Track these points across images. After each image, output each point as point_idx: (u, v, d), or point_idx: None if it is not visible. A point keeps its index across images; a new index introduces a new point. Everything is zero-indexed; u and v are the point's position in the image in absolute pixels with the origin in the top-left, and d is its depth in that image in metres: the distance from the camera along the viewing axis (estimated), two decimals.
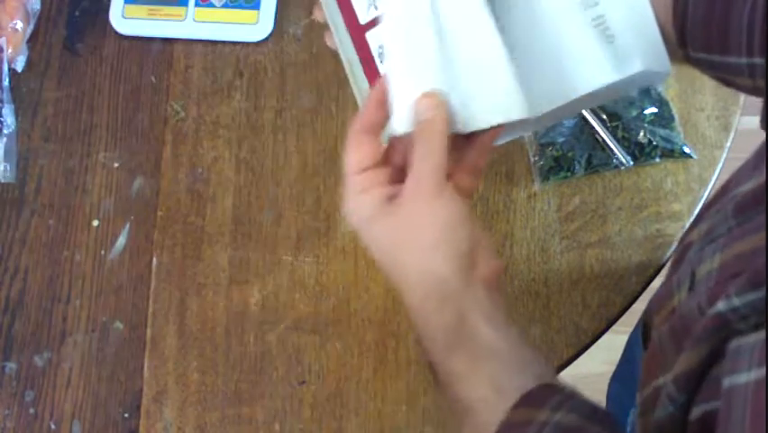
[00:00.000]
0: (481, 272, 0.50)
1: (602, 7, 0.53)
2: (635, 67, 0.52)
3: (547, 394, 0.46)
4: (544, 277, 0.75)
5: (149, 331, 0.74)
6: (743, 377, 0.34)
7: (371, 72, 0.58)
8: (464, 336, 0.48)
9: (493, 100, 0.51)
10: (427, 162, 0.48)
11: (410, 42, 0.51)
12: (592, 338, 0.73)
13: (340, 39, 0.59)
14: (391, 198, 0.50)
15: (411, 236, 0.49)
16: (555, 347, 0.73)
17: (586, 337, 0.73)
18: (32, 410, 0.73)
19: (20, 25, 0.82)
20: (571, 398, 0.45)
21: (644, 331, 0.58)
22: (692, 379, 0.40)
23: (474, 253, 0.50)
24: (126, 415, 0.72)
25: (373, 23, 0.57)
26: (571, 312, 0.73)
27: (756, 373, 0.33)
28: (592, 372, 0.96)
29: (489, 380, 0.47)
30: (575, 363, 0.73)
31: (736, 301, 0.37)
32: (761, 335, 0.35)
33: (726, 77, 0.52)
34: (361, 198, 0.50)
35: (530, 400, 0.46)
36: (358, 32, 0.58)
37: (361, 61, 0.58)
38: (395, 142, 0.52)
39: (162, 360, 0.74)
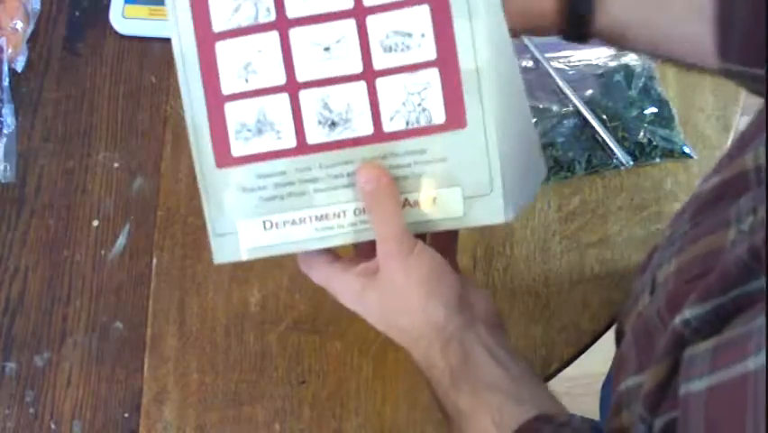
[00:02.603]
0: (479, 312, 0.52)
1: None
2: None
3: (539, 426, 0.47)
4: (544, 277, 0.75)
5: (149, 331, 0.74)
6: (696, 384, 0.34)
7: (221, 150, 0.52)
8: (468, 374, 0.49)
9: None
10: (387, 227, 0.49)
11: None
12: (592, 338, 0.73)
13: (190, 99, 0.52)
14: (373, 270, 0.51)
15: (398, 301, 0.51)
16: (555, 347, 0.73)
17: (586, 337, 0.73)
18: (31, 410, 0.73)
19: (20, 25, 0.82)
20: (563, 426, 0.47)
21: (617, 337, 0.59)
22: (657, 397, 0.41)
23: (466, 295, 0.52)
24: (126, 415, 0.72)
25: (240, 95, 0.51)
26: (571, 312, 0.73)
27: (708, 381, 0.33)
28: (592, 372, 0.96)
29: (491, 415, 0.48)
30: (575, 363, 0.73)
31: (687, 314, 0.37)
32: (711, 342, 0.35)
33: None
34: (345, 278, 0.52)
35: None
36: (216, 99, 0.51)
37: (211, 135, 0.52)
38: None
39: (162, 360, 0.74)
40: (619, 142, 0.77)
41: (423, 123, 0.49)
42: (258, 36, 0.50)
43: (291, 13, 0.49)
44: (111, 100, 0.83)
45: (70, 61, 0.84)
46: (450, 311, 0.50)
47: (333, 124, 0.50)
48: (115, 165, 0.80)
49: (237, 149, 0.52)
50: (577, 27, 0.56)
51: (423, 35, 0.48)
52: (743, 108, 0.80)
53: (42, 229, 0.78)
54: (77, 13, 0.86)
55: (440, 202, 0.50)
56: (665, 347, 0.39)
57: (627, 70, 0.80)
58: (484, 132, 0.48)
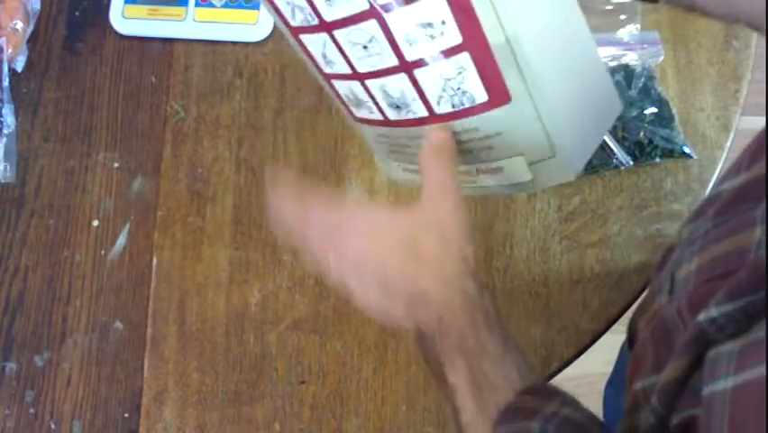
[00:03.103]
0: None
1: None
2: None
3: (553, 392, 0.47)
4: (544, 277, 0.75)
5: (149, 331, 0.74)
6: (720, 384, 0.34)
7: (347, 110, 0.57)
8: (493, 330, 0.49)
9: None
10: (447, 172, 0.50)
11: None
12: (592, 338, 0.73)
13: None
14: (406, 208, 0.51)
15: (433, 232, 0.49)
16: (555, 347, 0.73)
17: (586, 337, 0.73)
18: (32, 410, 0.73)
19: (20, 25, 0.82)
20: (574, 399, 0.47)
21: (629, 336, 0.59)
22: (673, 390, 0.41)
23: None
24: (126, 415, 0.72)
25: (334, 76, 0.54)
26: (571, 312, 0.73)
27: (733, 380, 0.33)
28: (592, 372, 0.96)
29: (483, 373, 0.48)
30: (575, 363, 0.73)
31: (714, 312, 0.37)
32: (737, 343, 0.35)
33: None
34: (373, 205, 0.53)
35: (537, 392, 0.47)
36: (325, 76, 0.56)
37: (337, 99, 0.57)
38: None
39: (162, 360, 0.74)
40: (619, 142, 0.77)
41: (467, 104, 0.49)
42: (316, 35, 0.52)
43: (327, 17, 0.50)
44: (111, 100, 0.83)
45: (70, 61, 0.84)
46: (472, 272, 0.50)
47: (398, 107, 0.52)
48: (115, 165, 0.80)
49: (354, 112, 0.56)
50: None
51: (443, 22, 0.47)
52: (743, 108, 0.80)
53: (42, 229, 0.78)
54: (77, 13, 0.86)
55: (507, 170, 0.51)
56: (686, 343, 0.39)
57: (627, 70, 0.80)
58: (531, 100, 0.48)
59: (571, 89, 0.50)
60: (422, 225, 0.50)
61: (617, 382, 0.86)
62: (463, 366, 0.48)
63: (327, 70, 0.54)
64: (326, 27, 0.51)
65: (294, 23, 0.53)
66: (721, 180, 0.48)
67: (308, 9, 0.50)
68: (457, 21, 0.47)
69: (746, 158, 0.45)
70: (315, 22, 0.51)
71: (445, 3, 0.46)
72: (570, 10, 0.50)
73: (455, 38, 0.47)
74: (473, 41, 0.47)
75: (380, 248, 0.50)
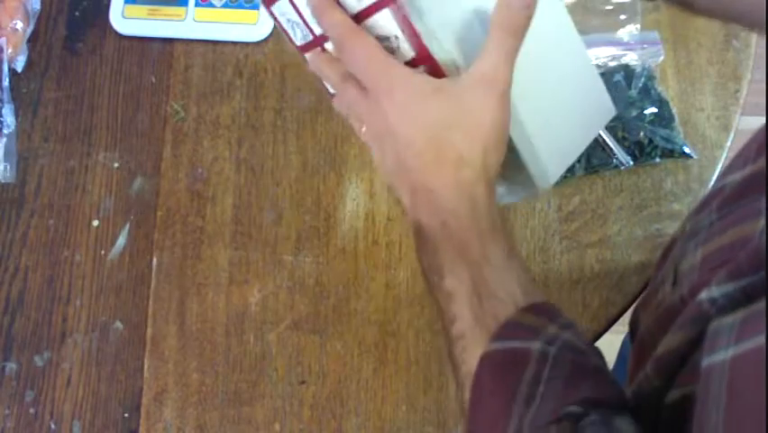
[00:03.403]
0: None
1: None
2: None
3: (556, 312, 0.46)
4: (544, 277, 0.75)
5: (149, 331, 0.75)
6: (720, 355, 0.34)
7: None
8: (477, 246, 0.47)
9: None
10: (507, 58, 0.46)
11: None
12: (592, 338, 0.73)
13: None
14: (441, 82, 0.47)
15: (467, 113, 0.46)
16: None
17: (586, 337, 0.73)
18: (32, 410, 0.73)
19: (20, 25, 0.82)
20: (573, 323, 0.47)
21: (631, 331, 0.59)
22: (669, 363, 0.41)
23: None
24: (126, 415, 0.72)
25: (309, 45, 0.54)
26: (571, 312, 0.73)
27: (734, 350, 0.33)
28: None
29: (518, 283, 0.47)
30: None
31: (715, 292, 0.37)
32: (738, 314, 0.35)
33: None
34: (414, 71, 0.47)
35: (540, 310, 0.46)
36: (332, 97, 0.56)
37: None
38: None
39: (162, 360, 0.74)
40: (619, 142, 0.77)
41: None
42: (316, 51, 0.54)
43: (317, 30, 0.52)
44: (111, 100, 0.83)
45: (70, 61, 0.84)
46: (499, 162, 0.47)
47: None
48: (115, 165, 0.80)
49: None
50: None
51: (397, 37, 0.47)
52: (743, 108, 0.80)
53: (42, 229, 0.78)
54: (77, 13, 0.86)
55: None
56: (683, 320, 0.39)
57: (627, 70, 0.80)
58: None
59: (545, 100, 0.50)
60: (455, 114, 0.46)
61: (618, 378, 0.86)
62: (464, 274, 0.46)
63: (332, 89, 0.56)
64: (319, 41, 0.52)
65: (298, 43, 0.54)
66: (724, 174, 0.48)
67: (302, 24, 0.52)
68: (407, 36, 0.47)
69: (751, 151, 0.45)
70: (311, 38, 0.53)
71: (392, 18, 0.47)
72: (554, 20, 0.50)
73: (409, 51, 0.48)
74: (424, 57, 0.47)
75: (406, 124, 0.47)
